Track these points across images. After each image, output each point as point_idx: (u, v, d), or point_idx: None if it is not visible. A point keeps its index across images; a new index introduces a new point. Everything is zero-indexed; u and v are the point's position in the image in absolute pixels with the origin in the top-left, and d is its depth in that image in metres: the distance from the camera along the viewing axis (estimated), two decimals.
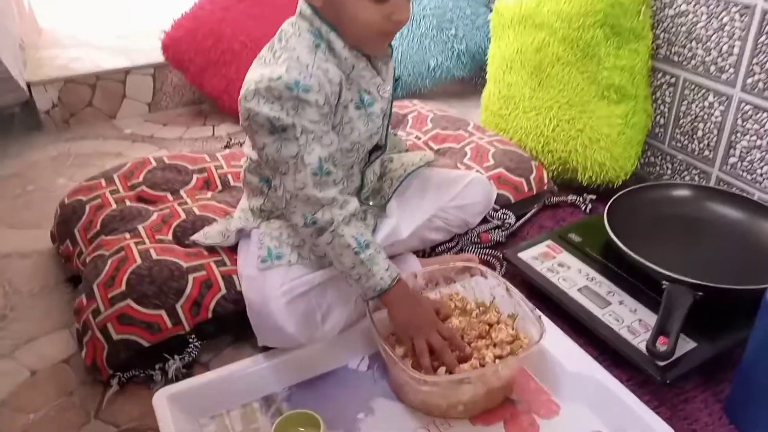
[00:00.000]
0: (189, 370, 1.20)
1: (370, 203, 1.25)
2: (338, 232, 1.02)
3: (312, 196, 1.00)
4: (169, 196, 1.50)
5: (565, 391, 1.11)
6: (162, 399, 1.06)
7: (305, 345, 1.14)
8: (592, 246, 1.36)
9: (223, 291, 1.23)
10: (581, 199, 1.66)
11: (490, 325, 1.16)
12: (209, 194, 1.52)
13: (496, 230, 1.53)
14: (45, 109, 2.19)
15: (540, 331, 1.07)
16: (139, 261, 1.24)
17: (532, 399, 1.12)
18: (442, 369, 1.07)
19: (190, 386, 1.10)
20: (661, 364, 1.06)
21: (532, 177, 1.62)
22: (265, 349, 1.17)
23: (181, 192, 1.52)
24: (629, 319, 1.19)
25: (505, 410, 1.09)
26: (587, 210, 1.64)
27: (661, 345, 1.04)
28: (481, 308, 1.21)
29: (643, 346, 1.12)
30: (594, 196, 1.66)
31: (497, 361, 1.08)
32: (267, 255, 1.14)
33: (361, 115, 1.09)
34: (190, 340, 1.22)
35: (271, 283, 1.11)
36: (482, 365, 1.07)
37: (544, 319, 1.12)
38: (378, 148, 1.18)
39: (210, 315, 1.22)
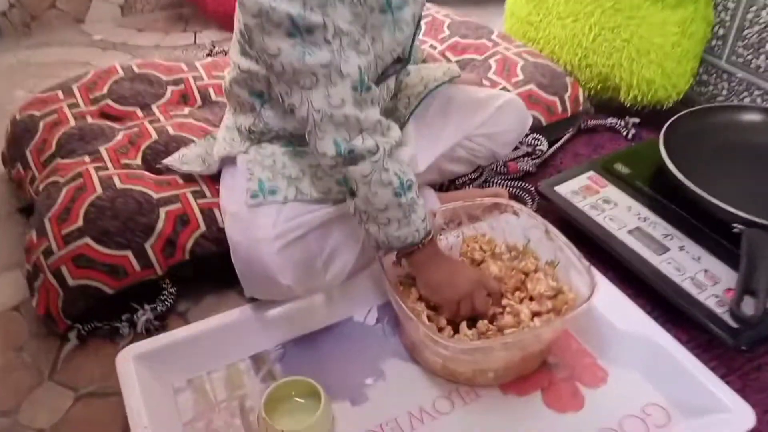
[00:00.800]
0: (162, 322, 1.01)
1: None
2: (382, 164, 0.79)
3: (351, 116, 0.78)
4: (139, 112, 1.27)
5: (613, 355, 0.93)
6: (127, 359, 0.88)
7: (302, 297, 0.94)
8: (644, 179, 1.15)
9: (203, 228, 1.02)
10: (622, 123, 1.44)
11: (526, 275, 0.96)
12: (186, 110, 1.28)
13: (525, 159, 1.30)
14: (1, 11, 1.91)
15: (590, 284, 0.87)
16: (99, 190, 1.03)
17: (574, 363, 0.93)
18: (465, 328, 0.89)
19: (162, 343, 0.91)
20: (738, 326, 0.87)
21: (566, 96, 1.38)
22: (255, 298, 0.97)
23: (153, 107, 1.28)
24: (692, 269, 0.99)
25: (542, 377, 0.91)
26: (629, 136, 1.42)
27: (747, 307, 0.85)
28: (512, 253, 1.00)
29: (711, 302, 0.93)
30: (638, 120, 1.43)
31: (535, 319, 0.88)
32: (258, 189, 0.91)
33: (386, 22, 0.84)
34: (164, 286, 1.02)
35: (262, 223, 0.89)
36: (518, 323, 0.88)
37: (595, 271, 0.92)
38: (399, 61, 0.93)
39: (187, 256, 1.02)
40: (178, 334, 0.93)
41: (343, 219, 0.93)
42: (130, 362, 0.87)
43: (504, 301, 0.91)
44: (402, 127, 1.01)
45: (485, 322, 0.90)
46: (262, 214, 0.90)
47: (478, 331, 0.89)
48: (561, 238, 0.95)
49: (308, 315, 0.98)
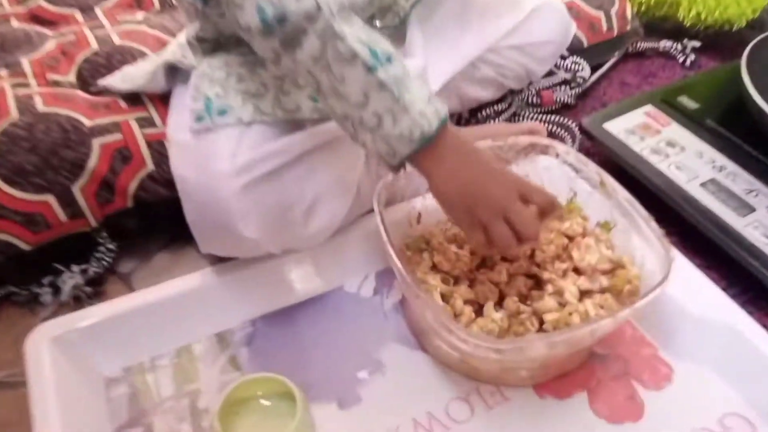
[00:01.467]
0: (98, 287, 0.78)
1: (377, 23, 0.77)
2: (333, 30, 0.55)
3: None
4: (78, 15, 1.00)
5: (680, 345, 0.71)
6: (40, 340, 0.66)
7: (275, 256, 0.72)
8: (718, 116, 0.90)
9: (150, 166, 0.78)
10: (679, 47, 1.18)
11: (570, 239, 0.73)
12: (140, 15, 1.02)
13: (563, 87, 1.05)
14: None
15: (665, 258, 0.64)
16: (14, 115, 0.78)
17: (629, 355, 0.72)
18: (492, 309, 0.67)
19: (88, 319, 0.69)
20: None
21: (613, 11, 1.12)
22: (220, 259, 0.75)
23: (97, 10, 1.02)
24: None
25: (588, 374, 0.70)
26: (687, 63, 1.16)
27: None
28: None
29: None
30: (698, 44, 1.17)
31: (586, 302, 0.66)
32: (204, 109, 0.67)
33: None
34: (100, 241, 0.79)
35: (218, 152, 0.66)
36: (562, 306, 0.66)
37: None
38: None
39: (129, 203, 0.79)
40: (110, 306, 0.71)
41: (332, 150, 0.70)
42: (44, 345, 0.65)
43: (546, 274, 0.69)
44: (402, 20, 0.76)
45: (514, 299, 0.68)
46: (214, 142, 0.66)
47: (507, 313, 0.67)
48: (621, 193, 0.71)
49: (284, 283, 0.76)
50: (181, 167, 0.69)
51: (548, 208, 0.63)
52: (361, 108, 0.57)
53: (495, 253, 0.69)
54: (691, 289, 0.72)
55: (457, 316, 0.66)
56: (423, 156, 0.59)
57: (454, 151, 0.60)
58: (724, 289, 0.74)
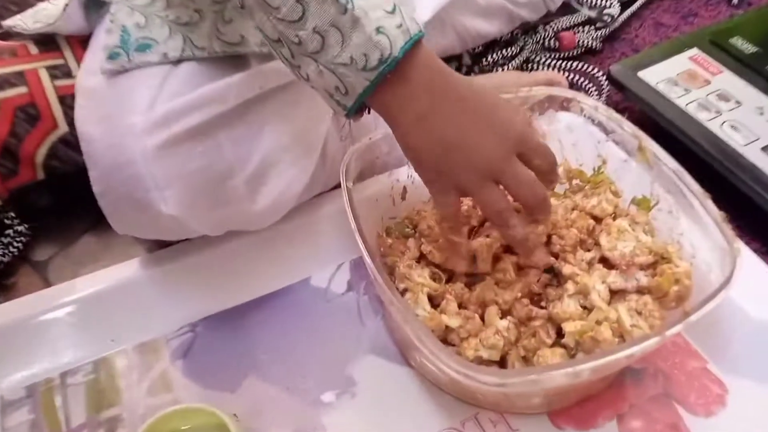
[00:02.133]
0: (6, 279, 0.63)
1: None
2: None
3: None
4: None
5: (737, 359, 0.56)
6: None
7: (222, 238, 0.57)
8: None
9: (63, 128, 0.62)
10: None
11: (597, 221, 0.56)
12: None
13: (587, 28, 0.87)
14: None
15: (729, 252, 0.48)
16: None
17: (671, 371, 0.56)
18: (496, 316, 0.51)
19: None
20: None
21: None
22: (160, 244, 0.59)
23: None
24: None
25: (619, 397, 0.54)
26: (734, 0, 0.97)
27: None
28: (575, 181, 0.60)
29: None
30: None
31: (619, 308, 0.50)
32: (120, 43, 0.51)
33: None
34: (6, 222, 0.64)
35: (128, 102, 0.51)
36: (585, 311, 0.51)
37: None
38: None
39: (39, 175, 0.62)
40: (11, 307, 0.56)
41: (287, 98, 0.54)
42: None
43: (566, 268, 0.53)
44: None
45: (525, 302, 0.52)
46: (131, 86, 0.51)
47: (515, 320, 0.52)
48: (667, 161, 0.54)
49: (234, 276, 0.60)
50: (86, 122, 0.53)
51: (545, 176, 0.47)
52: (298, 24, 0.40)
53: (464, 226, 0.53)
54: (751, 286, 0.55)
55: (447, 329, 0.50)
56: (385, 92, 0.42)
57: (428, 84, 0.42)
58: None
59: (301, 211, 0.61)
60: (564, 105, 0.61)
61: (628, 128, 0.57)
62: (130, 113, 0.50)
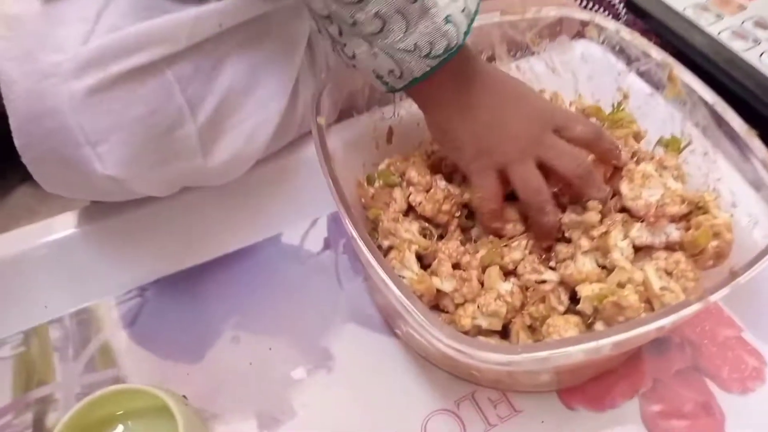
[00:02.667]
0: None
1: None
2: None
3: None
4: None
5: None
6: None
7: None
8: None
9: None
10: None
11: (616, 167, 0.48)
12: None
13: None
14: None
15: None
16: None
17: (701, 340, 0.48)
18: (499, 279, 0.43)
19: None
20: None
21: None
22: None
23: None
24: None
25: (640, 372, 0.47)
26: None
27: None
28: (590, 119, 0.51)
29: None
30: None
31: (647, 269, 0.42)
32: None
33: None
34: None
35: (56, 36, 0.41)
36: (605, 268, 0.42)
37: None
38: None
39: None
40: None
41: (251, 31, 0.45)
42: None
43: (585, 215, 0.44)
44: None
45: (532, 260, 0.44)
46: (62, 16, 0.42)
47: (520, 282, 0.43)
48: (703, 93, 0.45)
49: (191, 231, 0.51)
50: (5, 57, 0.43)
51: (593, 142, 0.44)
52: (357, 6, 0.37)
53: (505, 219, 0.45)
54: None
55: (439, 293, 0.42)
56: (435, 79, 0.40)
57: (472, 69, 0.42)
58: None
59: (269, 158, 0.52)
60: (579, 30, 0.52)
61: (656, 55, 0.48)
62: (57, 50, 0.40)
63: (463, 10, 0.38)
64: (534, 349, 0.34)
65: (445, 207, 0.45)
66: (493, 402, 0.44)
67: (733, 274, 0.36)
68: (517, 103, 0.43)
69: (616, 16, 0.69)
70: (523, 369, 0.39)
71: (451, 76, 0.41)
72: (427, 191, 0.46)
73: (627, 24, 0.69)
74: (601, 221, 0.46)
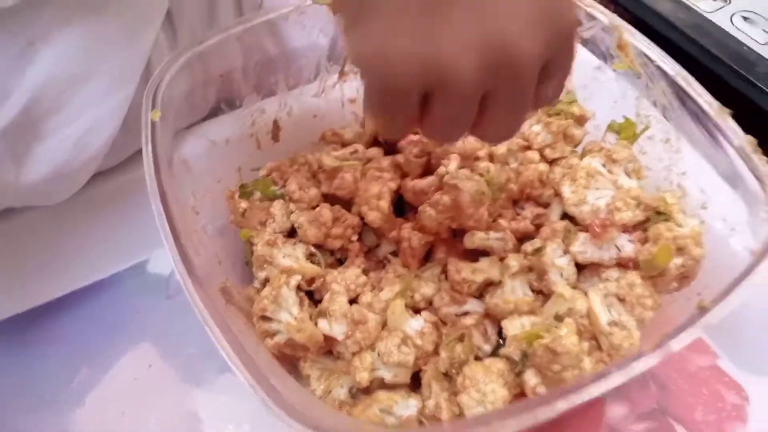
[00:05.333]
0: None
1: None
2: None
3: None
4: None
5: (763, 352, 0.38)
6: None
7: None
8: None
9: None
10: None
11: (551, 162, 0.38)
12: None
13: None
14: None
15: (766, 200, 0.29)
16: None
17: (668, 374, 0.39)
18: (404, 314, 0.33)
19: None
20: None
21: None
22: None
23: None
24: None
25: (593, 420, 0.37)
26: None
27: None
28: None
29: None
30: None
31: (590, 292, 0.32)
32: None
33: None
34: None
35: None
36: (539, 293, 0.33)
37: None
38: None
39: None
40: None
41: (79, 3, 0.35)
42: None
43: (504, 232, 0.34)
44: None
45: (445, 284, 0.34)
46: None
47: (432, 320, 0.34)
48: (662, 63, 0.35)
49: (22, 262, 0.40)
50: None
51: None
52: None
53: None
54: None
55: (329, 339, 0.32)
56: None
57: None
58: None
59: (126, 165, 0.41)
60: None
61: (603, 17, 0.38)
62: None
63: None
64: None
65: (336, 231, 0.35)
66: None
67: (702, 310, 0.27)
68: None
69: None
70: None
71: None
72: (313, 208, 0.36)
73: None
74: (536, 231, 0.36)
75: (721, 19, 0.48)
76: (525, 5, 0.24)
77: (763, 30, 0.47)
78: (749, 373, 0.39)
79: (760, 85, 0.44)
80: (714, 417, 0.38)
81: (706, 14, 0.48)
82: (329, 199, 0.36)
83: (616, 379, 0.25)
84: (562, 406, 0.25)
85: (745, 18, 0.47)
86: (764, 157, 0.31)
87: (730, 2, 0.49)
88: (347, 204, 0.36)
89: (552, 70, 0.26)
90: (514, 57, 0.24)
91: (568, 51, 0.27)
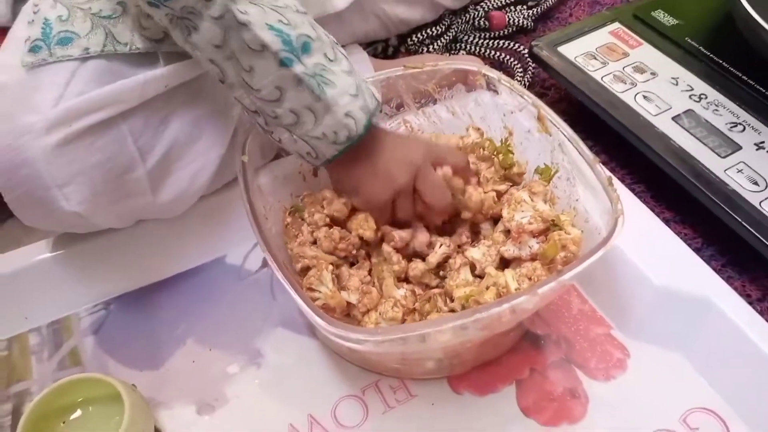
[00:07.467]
0: None
1: None
2: (232, 16, 0.45)
3: None
4: None
5: (639, 322, 0.56)
6: None
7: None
8: (703, 35, 0.73)
9: None
10: None
11: (499, 195, 0.58)
12: None
13: (519, 7, 0.87)
14: None
15: (611, 213, 0.48)
16: None
17: (574, 336, 0.57)
18: (393, 289, 0.52)
19: None
20: None
21: None
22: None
23: None
24: None
25: (519, 362, 0.55)
26: None
27: None
28: (481, 151, 0.61)
29: None
30: None
31: (506, 273, 0.51)
32: (41, 37, 0.51)
33: None
34: None
35: (37, 100, 0.50)
36: (477, 276, 0.52)
37: (618, 184, 0.53)
38: None
39: None
40: None
41: (194, 89, 0.55)
42: None
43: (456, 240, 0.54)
44: None
45: (421, 267, 0.53)
46: (43, 81, 0.51)
47: (411, 288, 0.53)
48: (563, 129, 0.55)
49: (149, 254, 0.61)
50: None
51: (460, 166, 0.55)
52: (276, 104, 0.47)
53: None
54: (655, 251, 0.56)
55: (350, 305, 0.51)
56: (346, 155, 0.50)
57: (374, 144, 0.51)
58: (698, 250, 0.59)
59: (214, 193, 0.62)
60: (473, 80, 0.62)
61: (529, 99, 0.58)
62: (31, 112, 0.50)
63: (362, 108, 0.48)
64: (390, 332, 0.43)
65: (341, 246, 0.54)
66: (393, 388, 0.53)
67: (559, 272, 0.46)
68: (402, 149, 0.52)
69: (525, 66, 0.79)
70: (385, 350, 0.47)
71: (356, 153, 0.50)
72: (329, 226, 0.55)
73: (536, 72, 0.80)
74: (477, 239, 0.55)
75: (628, 98, 0.67)
76: (399, 159, 0.50)
77: (656, 105, 0.66)
78: (632, 339, 0.56)
79: (649, 144, 0.63)
80: (603, 365, 0.55)
81: (618, 94, 0.68)
82: (333, 219, 0.56)
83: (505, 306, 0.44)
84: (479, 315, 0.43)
85: (645, 97, 0.67)
86: (615, 189, 0.50)
87: (636, 86, 0.69)
88: (345, 222, 0.56)
89: (419, 184, 0.51)
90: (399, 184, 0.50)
91: (425, 173, 0.51)
